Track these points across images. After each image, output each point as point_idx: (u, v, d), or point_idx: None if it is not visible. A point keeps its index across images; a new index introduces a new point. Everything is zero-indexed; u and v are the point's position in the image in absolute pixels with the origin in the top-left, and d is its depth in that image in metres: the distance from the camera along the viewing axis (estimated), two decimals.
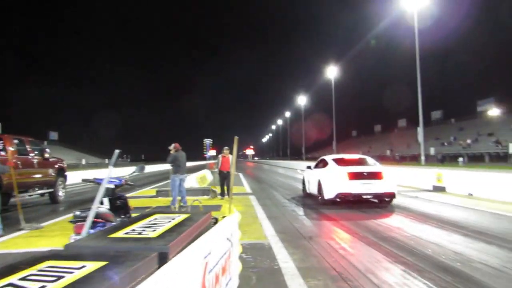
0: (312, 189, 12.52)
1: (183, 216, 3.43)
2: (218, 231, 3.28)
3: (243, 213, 9.26)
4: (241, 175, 30.12)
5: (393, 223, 7.87)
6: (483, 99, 74.33)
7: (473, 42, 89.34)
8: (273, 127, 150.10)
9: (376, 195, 10.68)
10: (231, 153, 12.46)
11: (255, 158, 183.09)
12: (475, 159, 51.16)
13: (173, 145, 11.01)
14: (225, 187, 12.92)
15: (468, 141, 59.25)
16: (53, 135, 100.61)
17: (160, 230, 2.75)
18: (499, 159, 46.29)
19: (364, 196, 10.59)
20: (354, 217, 8.73)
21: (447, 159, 53.08)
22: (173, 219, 3.31)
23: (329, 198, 10.73)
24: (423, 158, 41.46)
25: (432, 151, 57.10)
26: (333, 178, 10.77)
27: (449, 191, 13.57)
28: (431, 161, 52.40)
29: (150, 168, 54.21)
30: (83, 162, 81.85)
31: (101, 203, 4.43)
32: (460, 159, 44.66)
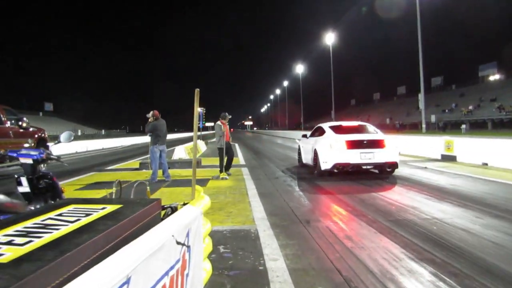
0: (308, 159, 11.50)
1: (109, 209, 2.19)
2: (158, 234, 2.06)
3: (232, 188, 8.13)
4: (237, 145, 28.96)
5: (405, 200, 6.66)
6: (485, 64, 72.40)
7: (473, 3, 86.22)
8: (271, 97, 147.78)
9: (377, 165, 9.62)
10: (221, 119, 10.68)
11: (254, 129, 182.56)
12: (478, 126, 50.01)
13: (151, 112, 9.72)
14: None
15: (470, 107, 57.89)
16: (48, 106, 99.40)
17: (38, 241, 1.51)
18: (503, 126, 45.13)
19: (364, 167, 9.62)
20: (357, 192, 7.57)
21: (449, 127, 51.97)
22: (88, 215, 2.08)
23: (326, 169, 9.73)
24: (424, 126, 40.40)
25: (433, 118, 55.81)
26: (330, 147, 9.69)
27: (460, 160, 12.39)
28: (432, 128, 51.35)
29: (144, 139, 53.14)
30: (79, 133, 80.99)
31: (19, 184, 3.17)
32: (463, 126, 43.47)
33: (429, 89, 75.71)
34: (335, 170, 9.66)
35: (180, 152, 14.92)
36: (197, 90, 2.79)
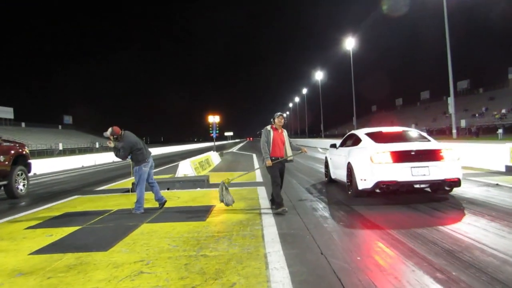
0: (339, 174, 9.18)
1: None
2: None
3: (243, 225, 5.70)
4: (254, 156, 26.73)
5: (507, 247, 4.28)
6: None
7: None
8: (290, 105, 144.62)
9: (433, 183, 7.14)
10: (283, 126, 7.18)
11: None
12: None
13: (110, 130, 7.09)
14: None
15: (503, 110, 54.29)
16: (68, 119, 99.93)
17: None
18: None
19: (417, 185, 7.13)
20: (420, 226, 5.17)
21: (480, 132, 48.62)
22: None
23: (365, 189, 7.42)
24: (454, 131, 37.31)
25: (463, 123, 52.52)
26: (370, 160, 7.30)
27: None
28: (462, 134, 48.15)
29: (161, 150, 51.27)
30: (97, 145, 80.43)
31: None
32: (500, 130, 40.14)
33: (455, 93, 72.50)
34: (377, 190, 7.30)
35: (185, 168, 12.65)
36: None
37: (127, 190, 10.02)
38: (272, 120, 7.06)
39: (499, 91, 69.49)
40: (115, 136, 7.11)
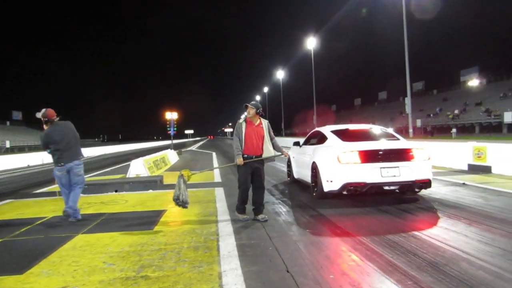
0: (303, 174, 8.62)
1: None
2: None
3: (196, 234, 4.81)
4: (214, 154, 25.87)
5: (495, 256, 3.80)
6: (467, 69, 71.74)
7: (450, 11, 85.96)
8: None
9: (404, 185, 6.64)
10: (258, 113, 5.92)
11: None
12: (464, 130, 48.53)
13: (43, 111, 6.13)
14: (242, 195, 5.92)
15: (456, 111, 56.30)
16: (17, 115, 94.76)
17: None
18: (491, 129, 43.54)
19: (386, 187, 6.60)
20: (393, 230, 4.65)
21: (435, 131, 50.16)
22: None
23: (331, 191, 6.82)
24: (411, 130, 38.05)
25: (418, 123, 53.91)
26: (337, 160, 6.72)
27: (496, 172, 9.70)
28: (418, 133, 49.39)
29: (118, 148, 49.30)
30: None
31: None
32: (454, 130, 41.43)
33: (411, 94, 74.82)
34: (345, 192, 6.73)
35: (138, 167, 11.64)
36: None
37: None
38: (245, 112, 6.00)
39: (452, 92, 72.24)
40: (46, 119, 6.12)
